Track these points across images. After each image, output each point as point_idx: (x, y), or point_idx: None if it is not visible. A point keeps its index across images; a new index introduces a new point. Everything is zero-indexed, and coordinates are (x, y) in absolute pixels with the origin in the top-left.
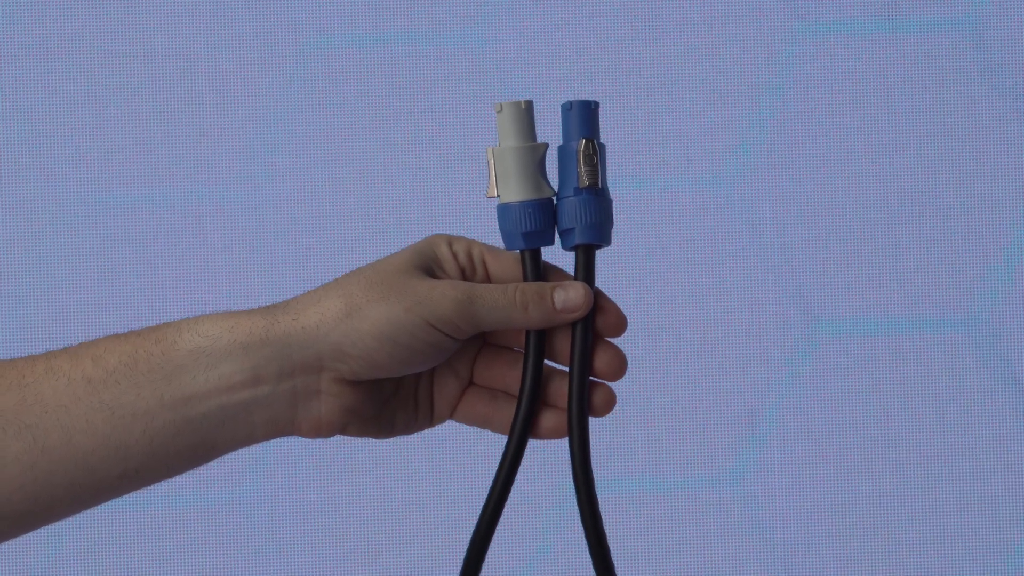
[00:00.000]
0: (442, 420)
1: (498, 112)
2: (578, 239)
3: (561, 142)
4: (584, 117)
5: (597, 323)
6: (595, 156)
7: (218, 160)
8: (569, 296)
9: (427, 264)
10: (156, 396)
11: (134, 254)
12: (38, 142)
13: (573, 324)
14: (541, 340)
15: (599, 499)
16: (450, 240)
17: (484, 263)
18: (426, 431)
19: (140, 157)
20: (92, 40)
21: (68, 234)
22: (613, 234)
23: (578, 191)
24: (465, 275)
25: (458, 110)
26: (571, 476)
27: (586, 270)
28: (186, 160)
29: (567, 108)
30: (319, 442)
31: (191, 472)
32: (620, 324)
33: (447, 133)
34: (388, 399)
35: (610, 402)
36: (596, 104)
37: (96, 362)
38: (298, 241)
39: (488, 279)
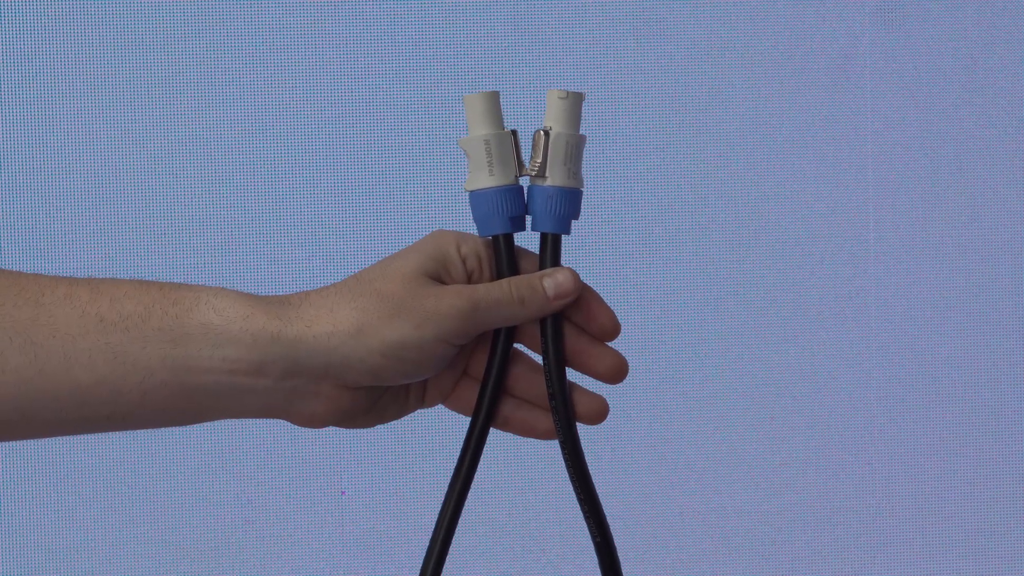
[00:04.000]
0: (434, 404)
1: (563, 99)
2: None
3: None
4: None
5: (591, 328)
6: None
7: (218, 160)
8: (559, 281)
9: (436, 269)
10: (159, 355)
11: (135, 253)
12: (38, 142)
13: (542, 319)
14: (510, 336)
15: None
16: (459, 241)
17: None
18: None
19: (140, 157)
20: (92, 40)
21: (68, 234)
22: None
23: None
24: (471, 278)
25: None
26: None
27: (554, 254)
28: (186, 160)
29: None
30: (320, 440)
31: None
32: (615, 327)
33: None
34: (381, 396)
35: (602, 412)
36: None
37: (113, 304)
38: (297, 237)
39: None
